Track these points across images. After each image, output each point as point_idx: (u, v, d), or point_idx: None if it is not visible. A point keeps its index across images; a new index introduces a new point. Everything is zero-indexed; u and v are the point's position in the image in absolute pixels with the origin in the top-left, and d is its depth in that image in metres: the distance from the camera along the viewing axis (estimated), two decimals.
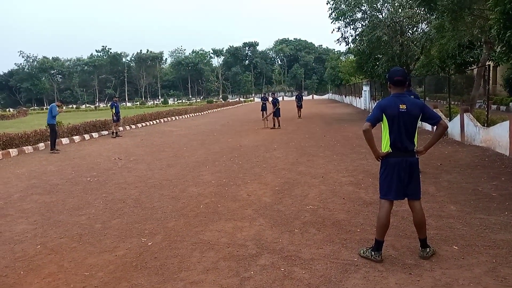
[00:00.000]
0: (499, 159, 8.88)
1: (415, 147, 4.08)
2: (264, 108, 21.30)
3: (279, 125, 18.57)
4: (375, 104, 4.10)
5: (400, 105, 3.93)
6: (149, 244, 4.77)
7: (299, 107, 25.23)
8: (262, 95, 20.68)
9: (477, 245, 4.31)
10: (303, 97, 27.96)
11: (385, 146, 4.03)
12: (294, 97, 27.88)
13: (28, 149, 13.96)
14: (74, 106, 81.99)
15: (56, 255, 4.58)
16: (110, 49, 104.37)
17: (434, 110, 13.63)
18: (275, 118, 18.73)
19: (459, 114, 11.97)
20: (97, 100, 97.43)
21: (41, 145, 14.62)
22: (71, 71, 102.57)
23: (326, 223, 5.22)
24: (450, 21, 10.44)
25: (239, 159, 10.54)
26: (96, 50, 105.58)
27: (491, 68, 13.46)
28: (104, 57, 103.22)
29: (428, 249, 4.12)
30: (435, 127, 4.16)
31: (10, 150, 13.16)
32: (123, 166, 10.23)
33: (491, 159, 9.01)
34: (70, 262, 4.36)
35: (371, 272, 3.80)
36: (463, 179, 7.34)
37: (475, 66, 17.28)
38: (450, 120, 13.08)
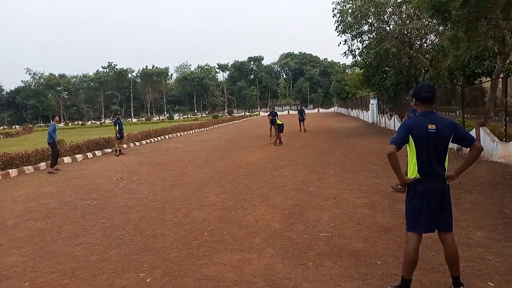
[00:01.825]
0: None
1: (446, 172, 3.61)
2: (273, 122, 20.95)
3: (280, 142, 18.02)
4: (400, 124, 3.63)
5: (429, 125, 3.50)
6: (148, 280, 4.31)
7: (302, 120, 25.88)
8: (271, 110, 20.32)
9: None
10: (305, 111, 28.51)
11: (412, 171, 3.57)
12: (297, 111, 28.08)
13: (29, 169, 13.60)
14: (80, 122, 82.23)
15: None
16: (116, 65, 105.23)
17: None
18: (278, 134, 18.25)
19: (474, 128, 11.48)
20: (103, 116, 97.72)
21: (42, 164, 14.27)
22: (77, 88, 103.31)
23: (343, 254, 4.74)
24: (465, 32, 10.04)
25: (246, 178, 10.09)
26: (102, 67, 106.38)
27: (507, 80, 12.96)
28: (110, 73, 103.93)
29: (461, 287, 3.63)
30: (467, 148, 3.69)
31: (10, 170, 12.81)
32: (124, 187, 9.81)
33: None
34: None
35: None
36: (486, 200, 6.83)
37: (486, 78, 16.81)
38: None
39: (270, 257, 4.77)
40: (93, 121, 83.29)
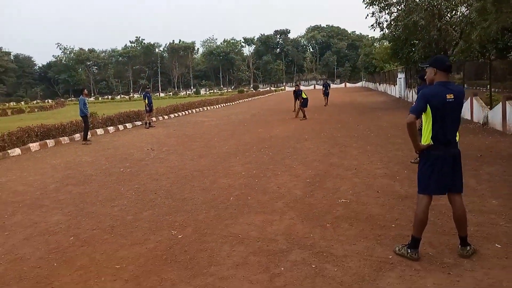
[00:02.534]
0: None
1: (458, 138, 3.84)
2: (298, 96, 21.16)
3: (304, 116, 18.11)
4: (419, 93, 3.84)
5: (447, 95, 3.66)
6: (179, 237, 4.76)
7: (326, 95, 26.05)
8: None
9: None
10: (330, 85, 28.61)
11: (426, 138, 3.78)
12: (322, 85, 28.18)
13: (65, 139, 14.36)
14: (110, 97, 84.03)
15: (88, 247, 4.65)
16: (144, 39, 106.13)
17: (474, 98, 12.96)
18: (302, 108, 18.36)
19: (500, 102, 11.36)
20: (132, 90, 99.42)
21: (77, 135, 15.00)
22: (106, 62, 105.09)
23: (360, 217, 5.05)
24: (493, 3, 9.83)
25: (270, 150, 10.44)
26: (130, 41, 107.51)
27: None
28: (138, 48, 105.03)
29: (468, 247, 3.90)
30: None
31: (47, 141, 13.57)
32: (155, 157, 10.34)
33: None
34: (102, 254, 4.40)
35: (407, 271, 3.63)
36: (506, 171, 6.95)
37: None
38: (491, 109, 12.45)
39: (290, 219, 5.13)
40: (122, 96, 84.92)
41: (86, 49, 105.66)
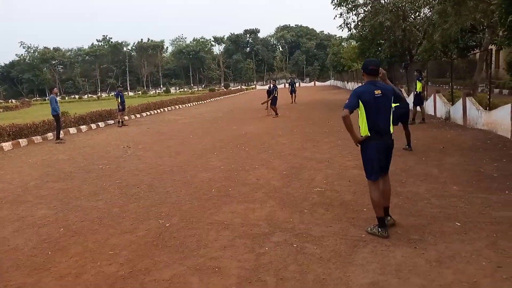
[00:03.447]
0: (501, 142, 9.10)
1: (391, 129, 4.39)
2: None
3: (276, 114, 18.51)
4: (352, 92, 4.38)
5: (375, 91, 4.24)
6: (167, 225, 5.03)
7: (293, 92, 27.28)
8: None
9: (478, 222, 4.55)
10: (296, 84, 30.98)
11: (363, 130, 4.31)
12: (288, 84, 29.40)
13: (37, 139, 14.21)
14: (77, 96, 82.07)
15: (79, 237, 4.85)
16: (111, 38, 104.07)
17: (436, 95, 13.71)
18: (272, 107, 18.74)
19: (461, 98, 12.14)
20: (99, 90, 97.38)
21: (50, 134, 14.86)
22: (72, 61, 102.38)
23: (334, 203, 5.47)
24: (452, 6, 10.55)
25: (245, 146, 10.77)
26: (97, 40, 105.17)
27: (493, 52, 13.55)
28: (105, 46, 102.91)
29: (389, 217, 4.55)
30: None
31: (20, 140, 13.42)
32: (132, 154, 10.48)
33: (493, 141, 9.22)
34: (94, 242, 4.63)
35: (379, 246, 4.05)
36: (466, 161, 7.56)
37: (477, 50, 17.35)
38: (452, 105, 13.25)
39: (271, 207, 5.50)
40: (89, 95, 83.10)
41: (51, 48, 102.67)
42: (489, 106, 10.93)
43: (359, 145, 4.44)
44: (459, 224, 4.53)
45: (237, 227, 4.82)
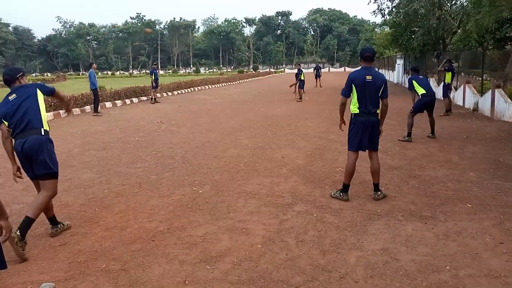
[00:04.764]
0: None
1: (378, 110, 4.95)
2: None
3: (300, 98, 18.78)
4: (348, 78, 4.95)
5: (367, 76, 4.79)
6: (200, 192, 5.55)
7: (318, 77, 28.51)
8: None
9: (489, 205, 4.86)
10: (321, 68, 32.69)
11: (353, 108, 4.91)
12: (313, 69, 30.19)
13: (76, 111, 15.05)
14: (109, 72, 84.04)
15: (122, 197, 5.43)
16: (144, 16, 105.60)
17: (466, 85, 13.70)
18: (300, 89, 19.04)
19: (490, 90, 12.13)
20: (131, 67, 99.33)
21: (87, 107, 15.68)
22: (106, 38, 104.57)
23: (354, 182, 5.83)
24: None
25: (273, 126, 11.19)
26: (130, 17, 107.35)
27: None
28: (139, 24, 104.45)
29: (379, 192, 5.10)
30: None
31: (60, 111, 14.24)
32: (166, 129, 11.08)
33: None
34: (135, 203, 5.19)
35: (392, 220, 4.44)
36: (487, 150, 7.76)
37: None
38: (481, 96, 13.22)
39: (294, 182, 5.94)
40: (121, 72, 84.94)
41: (86, 24, 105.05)
42: None
43: (341, 128, 5.41)
44: (470, 205, 4.85)
45: (263, 197, 5.29)
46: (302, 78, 18.99)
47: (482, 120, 11.52)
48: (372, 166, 5.18)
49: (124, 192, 5.64)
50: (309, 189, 5.58)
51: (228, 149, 8.30)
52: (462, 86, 14.97)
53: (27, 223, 3.79)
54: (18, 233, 3.68)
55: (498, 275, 3.26)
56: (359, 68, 5.07)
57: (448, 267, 3.40)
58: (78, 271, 3.51)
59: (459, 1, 20.19)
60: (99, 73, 79.01)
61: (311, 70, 75.46)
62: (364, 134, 4.94)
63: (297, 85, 19.29)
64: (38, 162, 3.94)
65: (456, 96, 15.74)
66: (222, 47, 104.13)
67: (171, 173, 6.57)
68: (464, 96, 14.78)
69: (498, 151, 7.66)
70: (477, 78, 23.41)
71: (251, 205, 4.98)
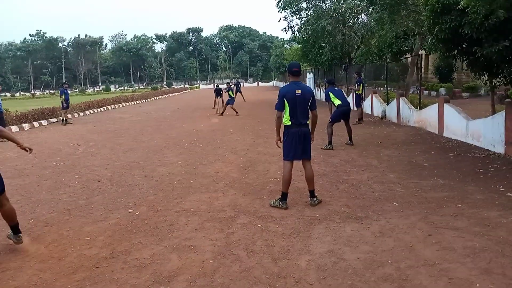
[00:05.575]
0: (429, 137, 10.28)
1: (308, 121, 5.31)
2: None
3: (222, 113, 18.98)
4: (280, 93, 5.25)
5: (297, 90, 5.16)
6: (137, 213, 5.35)
7: (238, 91, 28.33)
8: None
9: (412, 202, 5.35)
10: (241, 84, 34.28)
11: (286, 120, 5.21)
12: (234, 84, 30.99)
13: None
14: (8, 94, 77.10)
15: (52, 226, 5.04)
16: (45, 33, 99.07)
17: (373, 95, 14.87)
18: (228, 105, 19.28)
19: (395, 99, 13.35)
20: (33, 87, 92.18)
21: None
22: (3, 57, 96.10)
23: (289, 190, 6.04)
24: (388, 14, 11.68)
25: (199, 142, 11.15)
26: (30, 34, 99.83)
27: (423, 57, 14.99)
28: (39, 41, 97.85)
29: (315, 198, 5.41)
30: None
31: None
32: (85, 151, 10.49)
33: (423, 136, 10.38)
34: (68, 231, 4.85)
35: (331, 223, 4.69)
36: (400, 153, 8.53)
37: (409, 55, 18.93)
38: (387, 104, 14.48)
39: (233, 195, 5.99)
40: (22, 93, 78.42)
41: None
42: (420, 105, 12.17)
43: (278, 145, 5.43)
44: (396, 204, 5.30)
45: (204, 212, 5.26)
46: (232, 95, 19.26)
47: (390, 126, 12.61)
48: (306, 174, 5.43)
49: (53, 221, 5.24)
50: (248, 201, 5.67)
51: (157, 168, 8.11)
52: (369, 96, 16.26)
53: None
54: None
55: (433, 263, 3.61)
56: (288, 83, 5.37)
57: (390, 261, 3.69)
58: None
59: (360, 19, 21.98)
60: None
61: (225, 85, 76.46)
62: (297, 144, 5.21)
63: (217, 101, 19.50)
64: None
65: (365, 106, 17.04)
66: (132, 64, 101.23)
67: (100, 196, 6.25)
68: (372, 105, 16.05)
69: (409, 153, 8.45)
70: (381, 89, 25.59)
71: (193, 222, 4.93)
